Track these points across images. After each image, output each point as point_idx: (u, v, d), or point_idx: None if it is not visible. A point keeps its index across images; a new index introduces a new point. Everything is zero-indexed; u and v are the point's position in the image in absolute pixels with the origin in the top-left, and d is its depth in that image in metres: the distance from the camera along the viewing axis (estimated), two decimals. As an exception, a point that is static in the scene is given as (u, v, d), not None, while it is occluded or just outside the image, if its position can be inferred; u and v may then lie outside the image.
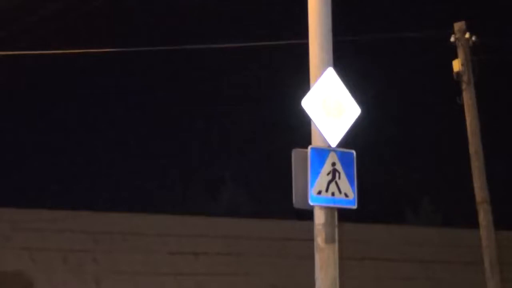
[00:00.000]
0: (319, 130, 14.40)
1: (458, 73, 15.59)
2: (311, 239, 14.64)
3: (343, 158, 14.44)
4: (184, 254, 32.58)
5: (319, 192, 14.16)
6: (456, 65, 15.62)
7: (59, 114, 59.75)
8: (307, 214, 14.60)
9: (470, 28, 16.37)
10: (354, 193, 14.37)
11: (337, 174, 14.36)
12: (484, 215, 15.65)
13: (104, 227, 33.13)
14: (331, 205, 14.36)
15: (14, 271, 30.60)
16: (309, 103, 14.34)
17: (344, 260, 14.85)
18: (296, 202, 14.12)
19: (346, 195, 14.41)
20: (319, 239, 14.38)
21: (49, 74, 49.56)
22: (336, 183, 14.30)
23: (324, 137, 14.37)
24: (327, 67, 14.54)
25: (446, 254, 32.85)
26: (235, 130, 51.90)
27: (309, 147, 14.27)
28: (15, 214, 33.11)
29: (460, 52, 15.62)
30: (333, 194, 14.28)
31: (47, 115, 58.76)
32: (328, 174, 14.34)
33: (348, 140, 14.57)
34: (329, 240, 14.46)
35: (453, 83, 15.74)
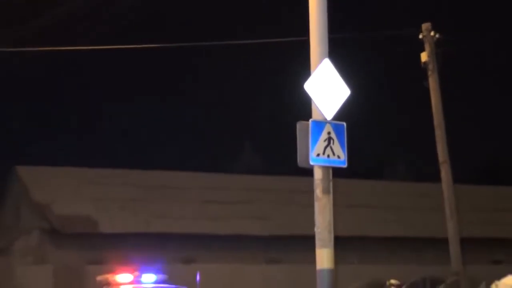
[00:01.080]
0: (317, 107, 14.56)
1: (425, 62, 15.72)
2: (311, 191, 14.80)
3: (336, 128, 14.57)
4: (214, 202, 32.68)
5: (318, 155, 14.32)
6: (424, 56, 15.75)
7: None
8: (308, 172, 14.76)
9: (434, 27, 16.41)
10: (344, 155, 14.51)
11: (331, 141, 14.49)
12: (445, 172, 15.71)
13: (153, 182, 33.29)
14: (327, 164, 14.50)
15: (84, 215, 30.74)
16: (310, 86, 14.50)
17: (336, 207, 14.94)
18: (300, 162, 14.29)
19: (338, 156, 14.56)
20: (318, 191, 14.54)
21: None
22: (331, 147, 14.42)
23: (321, 112, 14.52)
24: (324, 58, 14.71)
25: (416, 202, 32.97)
26: (254, 109, 52.10)
27: (310, 120, 14.42)
28: (82, 172, 33.34)
29: (427, 46, 15.76)
30: (328, 156, 14.42)
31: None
32: (324, 141, 14.48)
33: (340, 114, 14.72)
34: (325, 191, 14.61)
35: (421, 71, 15.83)
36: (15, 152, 35.22)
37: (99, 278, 16.60)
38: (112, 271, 16.55)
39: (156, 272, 16.51)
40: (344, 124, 14.87)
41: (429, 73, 15.86)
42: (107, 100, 59.30)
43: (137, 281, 15.96)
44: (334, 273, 14.36)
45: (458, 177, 17.57)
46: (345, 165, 14.84)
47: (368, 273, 13.27)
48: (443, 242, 16.30)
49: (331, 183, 14.67)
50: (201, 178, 35.59)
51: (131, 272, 16.25)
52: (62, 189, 31.57)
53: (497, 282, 10.52)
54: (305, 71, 14.88)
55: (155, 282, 16.03)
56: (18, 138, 37.96)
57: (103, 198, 31.26)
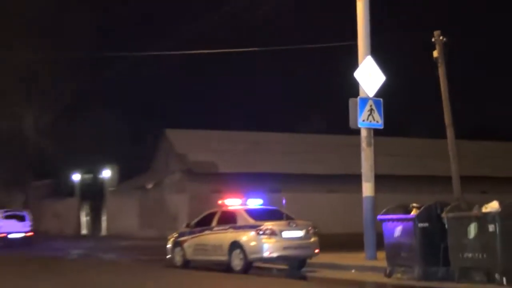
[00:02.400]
0: (363, 89, 15.15)
1: (436, 58, 15.72)
2: (359, 144, 15.32)
3: (375, 102, 15.20)
4: (294, 152, 32.87)
5: (363, 120, 15.00)
6: (435, 53, 15.74)
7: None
8: (357, 131, 15.26)
9: (443, 33, 16.28)
10: (381, 120, 15.14)
11: (372, 111, 15.12)
12: (449, 132, 15.82)
13: (254, 138, 33.71)
14: (369, 126, 15.17)
15: (209, 161, 31.55)
16: (359, 74, 15.14)
17: (375, 155, 15.40)
18: (351, 125, 15.07)
19: (377, 121, 15.19)
20: (363, 144, 15.25)
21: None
22: (372, 115, 15.07)
23: (366, 92, 15.11)
24: (367, 56, 15.22)
25: (433, 152, 32.68)
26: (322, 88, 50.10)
27: (358, 97, 15.01)
28: (208, 132, 34.01)
29: (437, 46, 15.70)
30: (370, 121, 15.07)
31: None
32: (368, 111, 15.12)
33: (378, 93, 15.14)
34: (368, 145, 15.27)
35: (434, 63, 15.81)
36: (164, 117, 35.20)
37: (219, 201, 16.83)
38: (227, 197, 16.67)
39: (257, 198, 16.65)
40: (381, 100, 15.61)
41: (439, 65, 15.89)
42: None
43: (243, 203, 16.15)
44: (374, 200, 15.04)
45: (459, 134, 17.45)
46: (381, 127, 15.57)
47: (397, 200, 13.59)
48: (449, 179, 16.45)
49: (372, 139, 15.33)
50: (284, 136, 35.92)
51: (240, 198, 16.44)
52: (195, 144, 32.43)
53: (486, 205, 10.78)
54: (353, 66, 15.42)
55: (257, 205, 16.25)
56: (167, 107, 37.48)
57: (221, 150, 31.98)
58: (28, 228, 27.99)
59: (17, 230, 27.59)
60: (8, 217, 28.16)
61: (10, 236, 27.28)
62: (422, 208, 11.64)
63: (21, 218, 28.26)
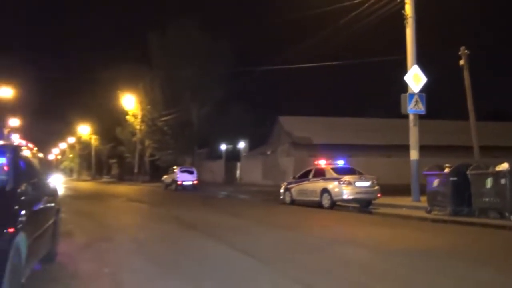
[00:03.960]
0: (411, 87, 14.49)
1: (462, 65, 14.84)
2: (407, 125, 14.75)
3: (420, 96, 14.46)
4: (364, 130, 32.14)
5: (411, 108, 14.33)
6: (461, 62, 14.87)
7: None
8: (406, 116, 14.68)
9: (467, 47, 15.22)
10: (424, 108, 14.39)
11: (417, 102, 14.40)
12: (471, 116, 14.96)
13: (333, 122, 33.12)
14: (415, 112, 14.48)
15: (307, 136, 31.53)
16: (407, 77, 14.49)
17: (420, 132, 14.80)
18: (403, 111, 14.41)
19: (421, 109, 14.43)
20: (411, 124, 14.66)
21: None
22: (417, 105, 14.34)
23: (413, 89, 14.47)
24: (414, 64, 14.53)
25: (459, 129, 30.90)
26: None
27: (407, 93, 14.41)
28: (305, 118, 33.78)
29: (463, 57, 14.77)
30: (416, 108, 14.38)
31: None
32: (414, 101, 14.41)
33: (421, 89, 14.46)
34: (414, 125, 14.63)
35: (460, 68, 14.89)
36: (277, 105, 35.14)
37: (314, 162, 16.88)
38: (319, 160, 16.68)
39: (339, 160, 16.56)
40: (424, 94, 14.95)
41: (464, 69, 14.90)
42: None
43: (330, 164, 16.11)
44: (418, 162, 14.49)
45: (478, 116, 16.41)
46: (424, 113, 14.82)
47: (434, 162, 13.06)
48: (471, 148, 15.62)
49: (417, 121, 14.69)
50: (356, 119, 34.90)
51: (327, 160, 16.42)
52: (297, 125, 32.53)
53: (498, 165, 10.32)
54: (404, 71, 14.77)
55: (339, 165, 16.17)
56: (279, 99, 37.19)
57: (314, 129, 31.80)
58: (195, 178, 29.08)
59: (188, 180, 28.70)
60: (183, 171, 29.42)
61: (184, 183, 28.51)
62: (452, 167, 11.46)
63: (191, 172, 29.42)
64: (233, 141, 39.55)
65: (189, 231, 9.21)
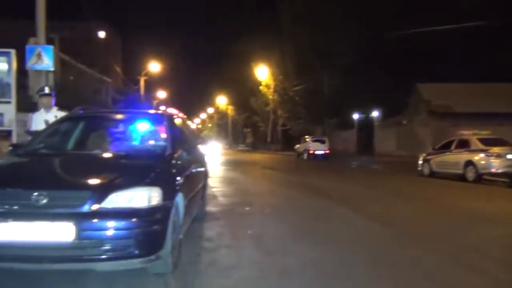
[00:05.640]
0: None
1: None
2: None
3: None
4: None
5: None
6: None
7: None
8: None
9: None
10: None
11: None
12: None
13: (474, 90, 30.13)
14: None
15: (445, 104, 29.21)
16: None
17: None
18: None
19: None
20: None
21: None
22: None
23: None
24: None
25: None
26: None
27: None
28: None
29: None
30: None
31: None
32: None
33: None
34: None
35: None
36: (414, 71, 32.53)
37: (458, 132, 15.87)
38: (463, 130, 15.63)
39: (485, 130, 15.33)
40: None
41: None
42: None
43: (477, 133, 14.99)
44: None
45: None
46: None
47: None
48: None
49: None
50: (500, 85, 31.08)
51: (471, 130, 15.32)
52: (436, 93, 30.32)
53: None
54: None
55: (485, 135, 14.94)
56: (416, 65, 33.74)
57: (455, 96, 29.31)
58: (327, 148, 29.06)
59: (320, 149, 28.79)
60: (314, 140, 29.63)
61: (316, 152, 28.69)
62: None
63: (322, 142, 29.48)
64: (365, 110, 38.38)
65: (323, 200, 9.27)
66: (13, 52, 8.52)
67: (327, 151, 28.85)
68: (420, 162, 16.27)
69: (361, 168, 21.45)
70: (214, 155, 30.82)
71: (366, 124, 38.88)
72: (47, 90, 6.56)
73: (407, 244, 5.48)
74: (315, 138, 30.12)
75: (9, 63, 8.46)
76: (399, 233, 6.04)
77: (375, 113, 37.85)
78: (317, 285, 3.95)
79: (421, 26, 25.74)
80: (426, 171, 15.74)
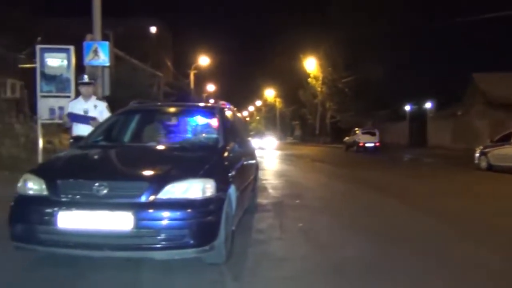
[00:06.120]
0: None
1: None
2: None
3: None
4: None
5: None
6: None
7: None
8: None
9: None
10: None
11: None
12: None
13: None
14: None
15: (504, 95, 27.84)
16: None
17: None
18: None
19: None
20: None
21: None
22: None
23: None
24: None
25: None
26: None
27: None
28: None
29: None
30: None
31: None
32: None
33: None
34: None
35: None
36: (470, 63, 31.11)
37: None
38: None
39: None
40: None
41: None
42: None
43: None
44: None
45: None
46: None
47: None
48: None
49: None
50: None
51: None
52: (494, 83, 28.92)
53: None
54: None
55: None
56: (473, 55, 32.08)
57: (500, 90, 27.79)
58: (377, 140, 28.50)
59: (370, 141, 28.26)
60: (364, 132, 29.09)
61: (366, 145, 28.17)
62: None
63: (373, 134, 28.88)
64: (418, 101, 37.20)
65: (375, 193, 9.08)
66: (72, 48, 8.89)
67: (378, 144, 28.22)
68: (477, 155, 15.57)
69: (414, 161, 20.85)
70: (270, 150, 30.35)
71: (419, 116, 37.70)
72: (86, 78, 6.38)
73: (466, 241, 5.26)
74: (365, 130, 29.54)
75: (69, 59, 8.84)
76: (457, 230, 5.79)
77: (428, 104, 36.66)
78: (372, 281, 3.88)
79: (478, 13, 24.57)
80: (484, 164, 15.04)
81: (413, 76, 33.10)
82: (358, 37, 35.88)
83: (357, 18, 35.80)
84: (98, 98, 6.35)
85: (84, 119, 6.13)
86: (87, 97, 6.25)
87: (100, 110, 6.19)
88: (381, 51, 35.26)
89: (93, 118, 6.06)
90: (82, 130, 5.96)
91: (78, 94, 6.35)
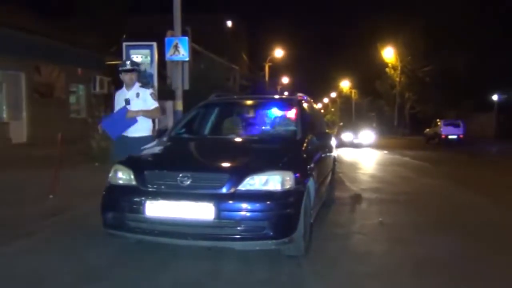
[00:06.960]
0: None
1: None
2: None
3: None
4: None
5: None
6: None
7: None
8: None
9: None
10: None
11: None
12: None
13: None
14: None
15: None
16: None
17: None
18: None
19: None
20: None
21: None
22: None
23: None
24: None
25: None
26: None
27: None
28: None
29: None
30: None
31: None
32: None
33: None
34: None
35: None
36: None
37: None
38: None
39: None
40: None
41: None
42: None
43: None
44: None
45: None
46: None
47: None
48: None
49: None
50: None
51: None
52: None
53: None
54: None
55: None
56: None
57: None
58: (461, 132, 27.07)
59: (453, 133, 26.90)
60: (447, 124, 27.72)
61: (449, 137, 26.84)
62: None
63: (457, 125, 27.46)
64: (507, 90, 34.52)
65: (461, 189, 8.58)
66: (155, 45, 9.27)
67: (461, 136, 26.72)
68: None
69: (504, 155, 19.40)
70: (370, 146, 24.31)
71: (508, 106, 35.00)
72: (128, 65, 5.45)
73: None
74: (448, 122, 28.06)
75: (152, 55, 9.23)
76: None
77: (519, 94, 33.93)
78: (458, 280, 3.67)
79: None
80: None
81: (502, 63, 30.65)
82: (442, 22, 34.06)
83: (441, 2, 33.98)
84: (142, 85, 5.58)
85: (113, 125, 5.41)
86: (129, 86, 5.46)
87: (144, 98, 5.42)
88: (464, 38, 33.23)
89: (125, 110, 5.36)
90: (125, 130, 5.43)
91: (121, 83, 5.62)
